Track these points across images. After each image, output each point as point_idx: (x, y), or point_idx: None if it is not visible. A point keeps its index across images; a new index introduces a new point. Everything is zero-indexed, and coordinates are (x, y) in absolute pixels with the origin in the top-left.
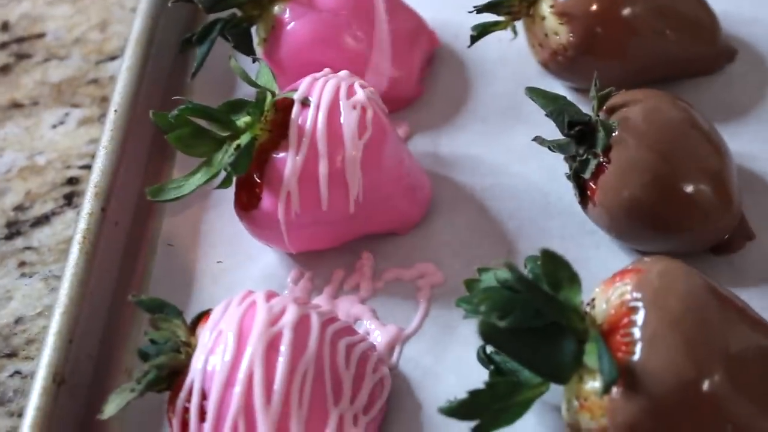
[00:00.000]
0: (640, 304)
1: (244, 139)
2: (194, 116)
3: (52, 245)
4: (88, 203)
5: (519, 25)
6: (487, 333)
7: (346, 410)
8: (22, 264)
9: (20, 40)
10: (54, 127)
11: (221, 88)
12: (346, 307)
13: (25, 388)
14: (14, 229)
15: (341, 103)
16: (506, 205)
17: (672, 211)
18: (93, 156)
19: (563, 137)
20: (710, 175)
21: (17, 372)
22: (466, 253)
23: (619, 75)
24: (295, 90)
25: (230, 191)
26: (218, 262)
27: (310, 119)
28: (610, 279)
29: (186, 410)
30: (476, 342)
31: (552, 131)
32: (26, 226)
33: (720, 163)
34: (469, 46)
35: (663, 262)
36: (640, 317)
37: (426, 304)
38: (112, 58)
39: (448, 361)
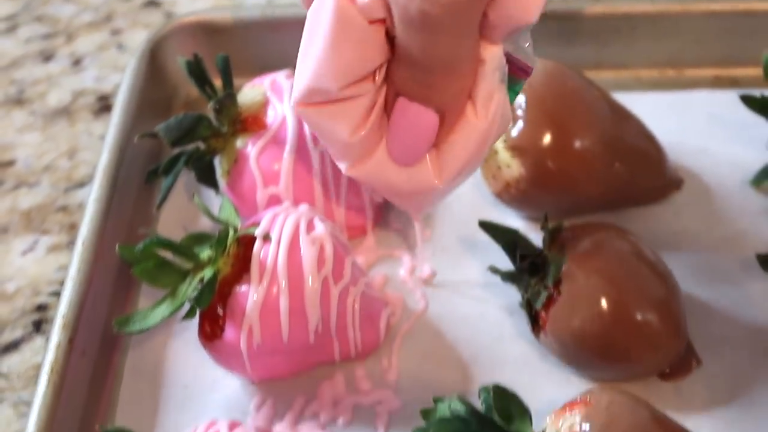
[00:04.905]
0: None
1: (207, 273)
2: (159, 249)
3: (21, 371)
4: (56, 335)
5: None
6: None
7: None
8: None
9: None
10: (23, 254)
11: (185, 216)
12: None
13: None
14: None
15: (301, 238)
16: (462, 332)
17: (620, 341)
18: (61, 283)
19: (516, 269)
20: (657, 304)
21: None
22: (423, 378)
23: (570, 205)
24: (257, 225)
25: (195, 319)
26: (183, 387)
27: (271, 255)
28: (560, 410)
29: None
30: None
31: (507, 260)
32: None
33: (666, 292)
34: None
35: (610, 393)
36: None
37: (384, 430)
38: (81, 185)
39: None
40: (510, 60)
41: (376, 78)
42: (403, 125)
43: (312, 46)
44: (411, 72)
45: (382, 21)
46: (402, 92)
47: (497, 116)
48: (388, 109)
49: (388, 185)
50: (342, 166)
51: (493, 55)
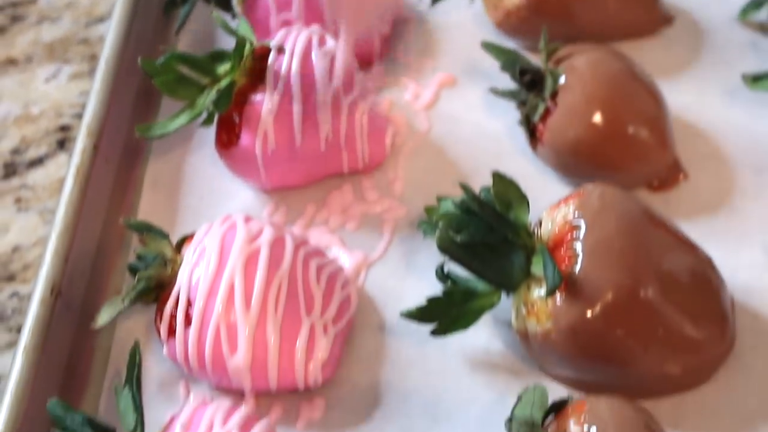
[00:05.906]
0: (581, 222)
1: (224, 83)
2: (179, 63)
3: (46, 184)
4: (81, 141)
5: None
6: (444, 246)
7: (317, 320)
8: (18, 200)
9: (15, 4)
10: (47, 81)
11: (202, 47)
12: (317, 237)
13: (23, 307)
14: (11, 170)
15: (313, 51)
16: (463, 150)
17: (613, 150)
18: (83, 106)
19: (515, 87)
20: (647, 118)
21: (15, 293)
22: (425, 190)
23: (566, 35)
24: (272, 39)
25: (211, 136)
26: (199, 198)
27: (285, 64)
28: (555, 204)
29: (173, 317)
30: (435, 266)
31: (507, 85)
32: (22, 167)
33: (656, 108)
34: (430, 7)
35: (602, 187)
36: (581, 233)
37: (390, 234)
38: (101, 20)
39: (410, 282)
40: None
41: None
42: None
43: None
44: None
45: None
46: None
47: None
48: None
49: None
50: None
51: None
